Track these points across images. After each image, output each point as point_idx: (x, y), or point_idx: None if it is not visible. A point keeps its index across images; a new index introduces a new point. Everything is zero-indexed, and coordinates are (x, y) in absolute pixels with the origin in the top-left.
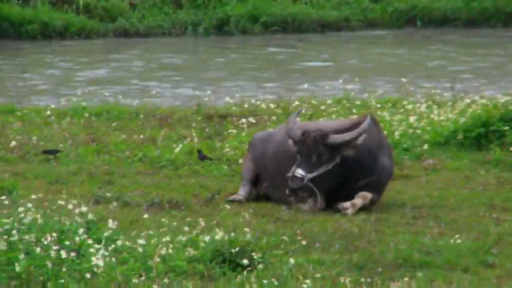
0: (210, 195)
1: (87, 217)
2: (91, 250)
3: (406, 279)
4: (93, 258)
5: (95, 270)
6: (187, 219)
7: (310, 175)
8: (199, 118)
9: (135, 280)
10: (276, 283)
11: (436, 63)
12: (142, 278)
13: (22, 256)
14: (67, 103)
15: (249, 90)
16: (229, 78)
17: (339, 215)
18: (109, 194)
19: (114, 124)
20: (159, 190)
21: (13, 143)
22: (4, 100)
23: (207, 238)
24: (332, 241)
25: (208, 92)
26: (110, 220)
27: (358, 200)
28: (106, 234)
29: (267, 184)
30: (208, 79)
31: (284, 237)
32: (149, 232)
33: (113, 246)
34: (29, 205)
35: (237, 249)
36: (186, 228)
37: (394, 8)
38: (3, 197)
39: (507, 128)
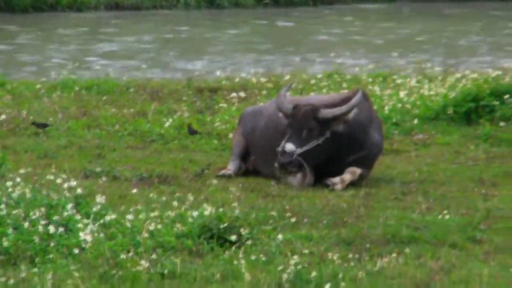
0: (199, 170)
1: (76, 191)
2: (80, 225)
3: (394, 254)
4: (81, 233)
5: (83, 245)
6: (176, 194)
7: (300, 150)
8: (189, 92)
9: (123, 256)
10: (264, 259)
11: (426, 37)
12: (130, 254)
13: (10, 231)
14: (57, 77)
15: (240, 64)
16: (220, 51)
17: (328, 190)
18: (98, 169)
19: (104, 98)
20: (149, 165)
21: (3, 116)
22: None
23: (195, 213)
24: (320, 216)
25: (199, 66)
26: (99, 195)
27: (347, 176)
28: (94, 209)
29: (254, 158)
30: (199, 52)
31: (273, 213)
32: (138, 207)
33: (101, 221)
34: (18, 179)
35: (225, 224)
36: (174, 203)
37: None
38: None
39: (497, 103)
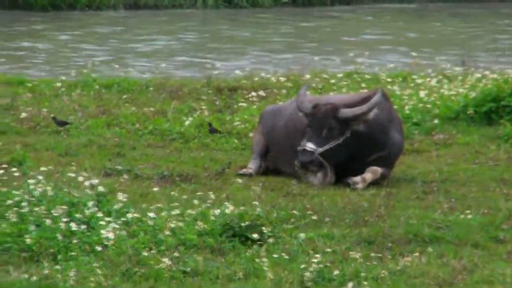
0: (220, 169)
1: (97, 189)
2: (101, 222)
3: (416, 254)
4: (103, 231)
5: (106, 242)
6: (197, 193)
7: (320, 149)
8: (209, 91)
9: (145, 253)
10: (286, 257)
11: (447, 37)
12: (153, 251)
13: (32, 228)
14: (77, 75)
15: (260, 63)
16: (240, 50)
17: (349, 189)
18: (119, 167)
19: (124, 97)
20: (169, 163)
21: (23, 114)
22: (13, 68)
23: (217, 212)
24: (342, 215)
25: (218, 65)
26: (120, 193)
27: (369, 175)
28: (116, 206)
29: (275, 157)
30: (219, 51)
31: (294, 211)
32: (159, 205)
33: (123, 219)
34: (40, 177)
35: (247, 223)
36: (196, 202)
37: None
38: (14, 169)
39: None
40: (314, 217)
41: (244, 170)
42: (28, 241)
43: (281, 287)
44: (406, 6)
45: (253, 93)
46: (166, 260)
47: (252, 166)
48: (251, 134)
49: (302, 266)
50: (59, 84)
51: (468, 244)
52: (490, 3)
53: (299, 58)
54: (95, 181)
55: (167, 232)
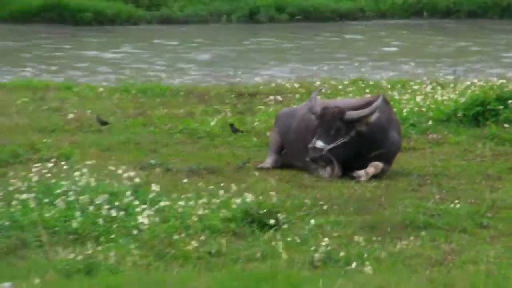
0: (241, 163)
1: (134, 181)
2: (138, 210)
3: (411, 238)
4: (139, 217)
5: (141, 227)
6: (221, 184)
7: (328, 146)
8: (232, 96)
9: (175, 237)
10: (298, 240)
11: (440, 50)
12: (182, 235)
13: (78, 214)
14: (116, 82)
15: (276, 71)
16: (259, 60)
17: (354, 181)
18: (153, 161)
19: (158, 100)
20: (197, 158)
21: (70, 115)
22: (63, 76)
23: (238, 200)
24: (348, 204)
25: (240, 72)
26: (154, 184)
27: (371, 169)
28: (150, 196)
29: (288, 153)
30: (240, 61)
31: (306, 201)
32: (188, 195)
33: (156, 206)
34: (84, 170)
35: (264, 210)
36: (220, 192)
37: (404, 0)
38: (62, 163)
39: (501, 107)
40: (324, 206)
41: (262, 164)
42: (74, 225)
43: (294, 267)
44: (405, 21)
45: (271, 98)
46: (193, 242)
47: (269, 161)
48: (268, 133)
49: (312, 248)
50: (101, 89)
51: (457, 230)
52: (480, 19)
53: (310, 67)
54: (133, 173)
55: (195, 218)
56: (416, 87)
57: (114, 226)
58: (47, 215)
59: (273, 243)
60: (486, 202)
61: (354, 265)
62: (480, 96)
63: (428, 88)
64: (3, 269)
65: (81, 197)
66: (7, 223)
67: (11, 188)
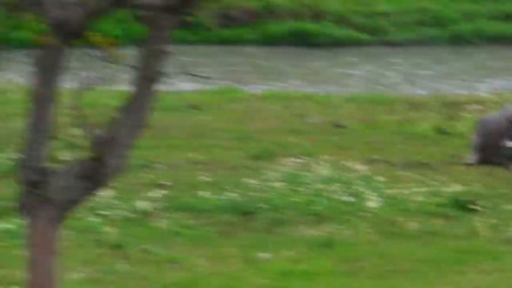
0: (449, 159)
1: (362, 173)
2: (366, 196)
3: None
4: (367, 202)
5: (370, 210)
6: (433, 176)
7: None
8: (438, 104)
9: (396, 218)
10: (495, 222)
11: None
12: (403, 217)
13: (319, 199)
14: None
15: (476, 85)
16: (467, 76)
17: None
18: (375, 157)
19: (381, 108)
20: (412, 155)
21: (310, 120)
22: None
23: (447, 189)
24: None
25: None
26: (379, 176)
27: None
28: (376, 185)
29: (486, 151)
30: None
31: (502, 190)
32: (407, 184)
33: (381, 193)
34: (321, 163)
35: (468, 198)
36: (433, 182)
37: None
38: (306, 158)
39: None
40: None
41: (467, 160)
42: (317, 208)
43: (492, 243)
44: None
45: (474, 106)
46: (413, 223)
47: (472, 158)
48: (471, 136)
49: (509, 228)
50: (336, 99)
51: None
52: None
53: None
54: (361, 167)
55: (413, 204)
56: None
57: (347, 209)
58: (295, 199)
59: (477, 224)
60: None
61: None
62: None
63: None
64: (265, 242)
65: (321, 186)
66: (265, 206)
67: (265, 178)
